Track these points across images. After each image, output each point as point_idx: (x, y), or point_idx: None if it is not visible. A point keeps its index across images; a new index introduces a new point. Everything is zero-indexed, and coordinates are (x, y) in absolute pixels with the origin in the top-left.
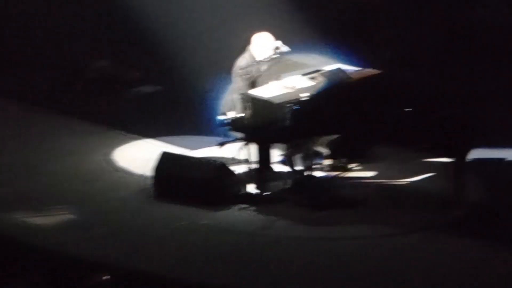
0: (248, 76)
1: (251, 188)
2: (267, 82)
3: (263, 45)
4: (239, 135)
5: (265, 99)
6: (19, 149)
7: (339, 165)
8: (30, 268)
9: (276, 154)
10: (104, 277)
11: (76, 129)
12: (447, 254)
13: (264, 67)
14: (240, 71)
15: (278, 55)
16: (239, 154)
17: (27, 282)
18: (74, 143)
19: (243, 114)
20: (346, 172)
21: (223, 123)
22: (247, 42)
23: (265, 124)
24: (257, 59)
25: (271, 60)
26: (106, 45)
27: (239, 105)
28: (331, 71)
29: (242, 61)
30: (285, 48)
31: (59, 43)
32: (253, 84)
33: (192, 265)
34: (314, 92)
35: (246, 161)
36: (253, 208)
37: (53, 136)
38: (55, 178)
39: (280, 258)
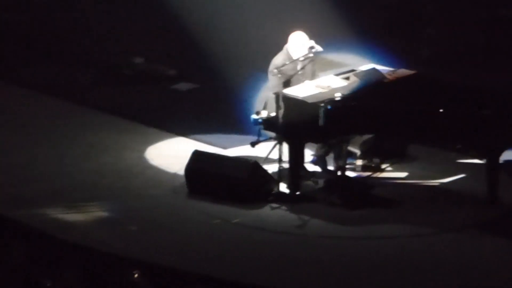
0: (283, 74)
1: (284, 187)
2: (302, 81)
3: (299, 43)
4: (272, 134)
5: (299, 98)
6: (56, 144)
7: (371, 165)
8: (65, 264)
9: (309, 154)
10: (136, 275)
11: (112, 126)
12: (481, 254)
13: (299, 66)
14: (275, 70)
15: (312, 54)
16: (272, 153)
17: (62, 278)
18: (110, 139)
19: (276, 113)
20: (379, 172)
21: (257, 122)
22: (284, 41)
23: (298, 123)
24: (293, 57)
25: (306, 59)
26: (144, 43)
27: (273, 103)
28: (365, 71)
29: (278, 59)
30: (319, 48)
31: (99, 40)
32: (287, 83)
33: (224, 264)
34: (347, 92)
35: (279, 160)
36: (286, 207)
37: (89, 132)
38: (90, 174)
39: (312, 257)
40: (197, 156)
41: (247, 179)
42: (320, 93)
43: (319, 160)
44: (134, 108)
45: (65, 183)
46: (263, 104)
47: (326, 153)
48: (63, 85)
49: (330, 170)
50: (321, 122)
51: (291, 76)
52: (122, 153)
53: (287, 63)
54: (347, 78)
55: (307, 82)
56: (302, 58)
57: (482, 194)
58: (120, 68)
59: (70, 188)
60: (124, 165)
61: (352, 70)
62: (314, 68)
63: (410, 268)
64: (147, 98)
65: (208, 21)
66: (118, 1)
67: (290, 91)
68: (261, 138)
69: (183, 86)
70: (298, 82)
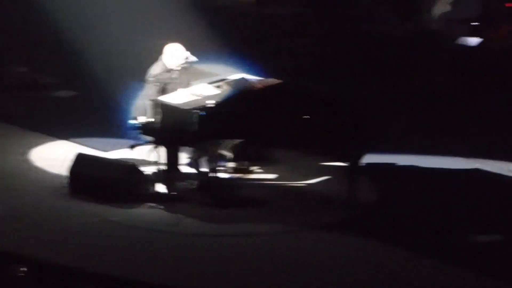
0: (159, 83)
1: (160, 188)
2: (176, 89)
3: (174, 54)
4: (149, 138)
5: (173, 105)
6: None
7: (241, 167)
8: None
9: (184, 157)
10: (21, 269)
11: None
12: (341, 253)
13: (174, 75)
14: (152, 78)
15: (187, 64)
16: (149, 156)
17: None
18: None
19: (153, 119)
20: (248, 174)
21: (134, 127)
22: (159, 52)
23: (173, 128)
24: (168, 67)
25: (181, 69)
26: (24, 51)
27: (150, 110)
28: (235, 80)
29: (155, 69)
30: (193, 58)
31: None
32: (163, 91)
33: (104, 260)
34: (219, 99)
35: (156, 163)
36: (162, 206)
37: None
38: None
39: (186, 254)
40: (80, 158)
41: (126, 180)
42: (194, 100)
43: (193, 162)
44: (18, 114)
45: None
46: (140, 111)
47: (199, 156)
48: None
49: (203, 172)
50: (194, 127)
51: (167, 85)
52: (5, 156)
53: (163, 72)
54: (219, 87)
55: (181, 90)
56: (177, 68)
57: (343, 195)
58: (3, 75)
59: None
60: (8, 167)
61: (223, 79)
62: (188, 77)
63: (275, 264)
64: (30, 105)
65: (88, 32)
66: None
67: (166, 98)
68: (139, 142)
69: (64, 93)
70: (173, 90)
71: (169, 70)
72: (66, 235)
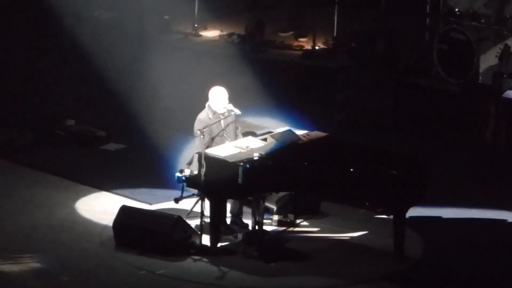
0: (208, 134)
1: (206, 241)
2: (226, 140)
3: (218, 97)
4: (195, 190)
5: (220, 157)
6: None
7: (287, 220)
8: None
9: (229, 210)
10: None
11: (45, 183)
12: None
13: (223, 124)
14: (198, 131)
15: (232, 113)
16: (195, 208)
17: None
18: (43, 196)
19: (199, 171)
20: (293, 227)
21: (180, 179)
22: (206, 98)
23: (219, 181)
24: (215, 110)
25: (229, 116)
26: (75, 106)
27: (196, 163)
28: (281, 133)
29: (202, 115)
30: (237, 111)
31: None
32: (211, 144)
33: None
34: (265, 152)
35: (201, 215)
36: (207, 259)
37: (24, 189)
38: (24, 228)
39: None
40: (124, 211)
41: (171, 232)
42: (240, 153)
43: (234, 217)
44: (66, 167)
45: (0, 236)
46: (188, 162)
47: (240, 211)
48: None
49: (248, 225)
50: (240, 180)
51: (217, 134)
52: (54, 209)
53: (210, 117)
54: (265, 139)
55: (227, 143)
56: (223, 111)
57: (390, 248)
58: (53, 129)
59: (4, 241)
60: (56, 220)
61: (270, 132)
62: (236, 128)
63: None
64: (78, 157)
65: (135, 86)
66: (49, 63)
67: (212, 151)
68: (184, 195)
69: (111, 146)
70: (222, 141)
71: (216, 114)
72: (112, 287)
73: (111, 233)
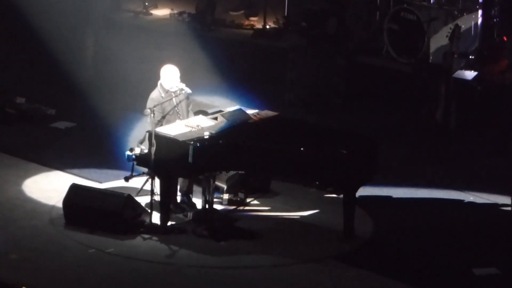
0: (159, 112)
1: (155, 219)
2: (178, 118)
3: (170, 75)
4: (145, 169)
5: (170, 136)
6: None
7: (237, 199)
8: None
9: (179, 188)
10: None
11: None
12: (338, 284)
13: (175, 101)
14: (148, 110)
15: (183, 91)
16: (145, 187)
17: None
18: None
19: (149, 150)
20: (244, 206)
21: (130, 158)
22: (157, 77)
23: (169, 160)
24: (166, 88)
25: (181, 94)
26: (25, 84)
27: (146, 141)
28: (232, 112)
29: (154, 93)
30: (188, 89)
31: None
32: (162, 122)
33: None
34: (215, 131)
35: (152, 194)
36: (157, 238)
37: None
38: None
39: (181, 285)
40: (74, 189)
41: (121, 211)
42: (190, 131)
43: (184, 196)
44: (16, 144)
45: None
46: (140, 140)
47: (189, 189)
48: None
49: (195, 204)
50: (190, 159)
51: (168, 113)
52: (3, 187)
53: (163, 95)
54: (215, 118)
55: (178, 121)
56: (175, 89)
57: (340, 227)
58: (3, 107)
59: None
60: (5, 198)
61: (220, 111)
62: (189, 106)
63: None
64: (28, 135)
65: (85, 64)
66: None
67: (162, 130)
68: (134, 173)
69: (61, 124)
70: (175, 119)
71: (166, 91)
72: (61, 266)
73: (61, 211)
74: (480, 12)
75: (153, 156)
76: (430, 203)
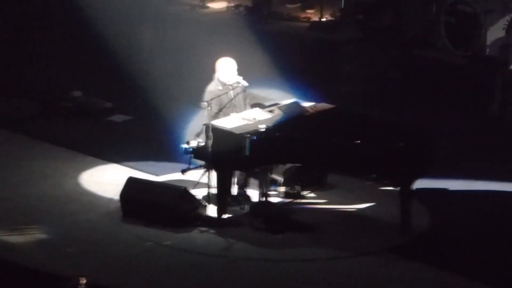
0: (216, 105)
1: (212, 212)
2: (235, 111)
3: (227, 68)
4: (202, 162)
5: (226, 129)
6: None
7: (293, 192)
8: (5, 284)
9: (236, 181)
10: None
11: (52, 154)
12: (395, 277)
13: (232, 94)
14: (205, 103)
15: (240, 84)
16: (201, 180)
17: None
18: (49, 167)
19: (206, 143)
20: (300, 199)
21: (187, 151)
22: (213, 70)
23: (226, 152)
24: (223, 81)
25: (237, 87)
26: (81, 77)
27: (203, 134)
28: (288, 105)
29: (211, 86)
30: (245, 82)
31: (39, 73)
32: (219, 115)
33: (156, 284)
34: (272, 124)
35: (208, 187)
36: (213, 231)
37: (30, 160)
38: (30, 199)
39: (238, 278)
40: (131, 182)
41: (178, 204)
42: (246, 124)
43: (241, 189)
44: (73, 138)
45: (7, 207)
46: (197, 133)
47: (245, 181)
48: (5, 116)
49: (250, 197)
50: (246, 152)
51: (225, 105)
52: (60, 180)
53: (220, 88)
54: (272, 111)
55: (234, 114)
56: (232, 82)
57: (396, 220)
58: (61, 100)
59: (11, 212)
60: (62, 191)
61: (276, 104)
62: (246, 99)
63: None
64: (85, 128)
65: (142, 57)
66: (57, 36)
67: (219, 123)
68: (191, 166)
69: (118, 117)
70: (232, 112)
71: (225, 86)
72: (118, 259)
73: (118, 204)
74: None
75: (209, 149)
76: (487, 196)
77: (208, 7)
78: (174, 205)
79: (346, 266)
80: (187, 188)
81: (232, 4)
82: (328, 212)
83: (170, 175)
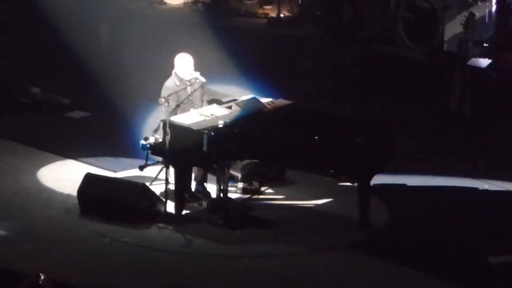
0: (173, 101)
1: (170, 208)
2: (193, 107)
3: (184, 63)
4: (160, 158)
5: (184, 125)
6: None
7: (251, 188)
8: None
9: (193, 177)
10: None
11: (10, 151)
12: (352, 273)
13: (189, 90)
14: (163, 99)
15: (198, 80)
16: (159, 176)
17: None
18: (8, 163)
19: (163, 139)
20: (258, 195)
21: (145, 147)
22: (172, 66)
23: (184, 149)
24: (181, 77)
25: (195, 83)
26: (39, 73)
27: (160, 130)
28: (246, 101)
29: (169, 82)
30: (202, 78)
31: None
32: (179, 107)
33: (114, 280)
34: (230, 120)
35: (166, 183)
36: (172, 227)
37: None
38: None
39: (196, 274)
40: (89, 178)
41: (136, 200)
42: (204, 120)
43: (198, 185)
44: (31, 134)
45: None
46: (154, 129)
47: (203, 177)
48: None
49: (209, 193)
50: (204, 148)
51: (183, 101)
52: (18, 176)
53: (177, 84)
54: (230, 107)
55: (192, 110)
56: (190, 78)
57: (354, 216)
58: (18, 97)
59: None
60: (20, 187)
61: (234, 100)
62: (203, 95)
63: (285, 285)
64: (43, 125)
65: (99, 53)
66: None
67: (177, 119)
68: (149, 162)
69: (76, 114)
70: (189, 108)
71: (181, 80)
72: (76, 255)
73: (76, 201)
74: None
75: (167, 145)
76: (445, 192)
77: (165, 3)
78: (132, 201)
79: (304, 262)
80: (145, 184)
81: (190, 0)
82: (286, 208)
83: (128, 171)
